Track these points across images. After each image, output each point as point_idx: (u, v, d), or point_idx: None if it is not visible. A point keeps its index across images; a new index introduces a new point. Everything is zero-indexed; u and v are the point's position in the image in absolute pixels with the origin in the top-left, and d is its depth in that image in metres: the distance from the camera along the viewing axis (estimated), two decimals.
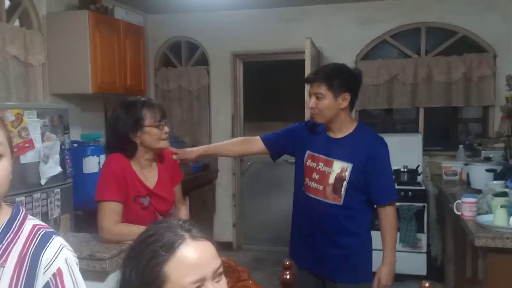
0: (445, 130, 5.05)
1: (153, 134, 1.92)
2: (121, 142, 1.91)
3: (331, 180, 2.08)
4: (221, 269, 0.98)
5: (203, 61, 5.16)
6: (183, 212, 2.20)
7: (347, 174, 2.06)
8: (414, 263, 4.00)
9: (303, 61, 3.92)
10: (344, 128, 2.12)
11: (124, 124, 1.89)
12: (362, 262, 2.17)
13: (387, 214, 2.10)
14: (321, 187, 2.10)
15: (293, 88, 4.73)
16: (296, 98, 4.43)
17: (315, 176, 2.12)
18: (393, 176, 2.16)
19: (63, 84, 3.72)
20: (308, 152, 2.17)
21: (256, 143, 2.34)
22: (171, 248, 0.93)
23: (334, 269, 2.13)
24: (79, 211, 3.20)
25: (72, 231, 3.01)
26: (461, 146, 4.27)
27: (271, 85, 5.29)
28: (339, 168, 2.07)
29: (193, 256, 0.94)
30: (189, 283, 0.92)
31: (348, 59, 4.73)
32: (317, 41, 4.41)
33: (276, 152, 2.35)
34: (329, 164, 2.09)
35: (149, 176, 1.99)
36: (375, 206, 2.17)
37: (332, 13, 4.73)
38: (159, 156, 2.05)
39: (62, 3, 3.87)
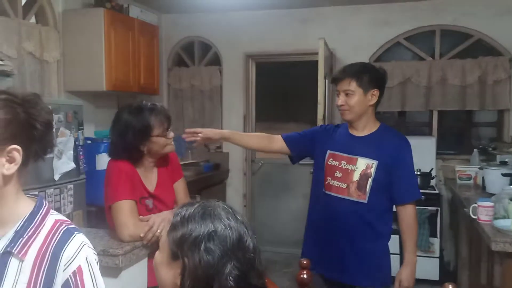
0: (459, 134, 5.00)
1: (160, 143, 1.91)
2: (128, 150, 1.89)
3: (356, 177, 2.05)
4: None
5: (216, 61, 5.17)
6: None
7: (372, 171, 2.04)
8: (427, 267, 3.96)
9: (316, 62, 3.91)
10: (368, 126, 2.13)
11: (133, 134, 1.86)
12: (383, 265, 2.12)
13: (408, 213, 2.07)
14: (344, 185, 2.07)
15: (306, 89, 4.72)
16: (309, 99, 4.40)
17: (338, 174, 2.09)
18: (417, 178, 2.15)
19: (77, 81, 3.73)
20: (329, 151, 2.15)
21: (277, 141, 2.30)
22: None
23: (355, 273, 2.07)
24: (92, 207, 3.21)
25: (84, 227, 3.01)
26: (475, 150, 4.22)
27: (284, 86, 5.28)
28: (364, 165, 2.05)
29: None
30: None
31: (361, 61, 4.70)
32: (331, 42, 4.39)
33: (297, 152, 2.30)
34: (352, 162, 2.07)
35: (150, 178, 1.99)
36: (394, 206, 2.12)
37: (346, 15, 4.71)
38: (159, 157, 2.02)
39: (78, 1, 3.90)
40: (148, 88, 4.36)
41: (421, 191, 3.93)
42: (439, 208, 4.00)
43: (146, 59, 4.28)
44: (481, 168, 3.63)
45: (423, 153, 4.39)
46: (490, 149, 4.14)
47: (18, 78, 3.34)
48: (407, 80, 4.56)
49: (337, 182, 2.09)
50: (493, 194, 2.92)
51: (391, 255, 2.17)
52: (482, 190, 3.42)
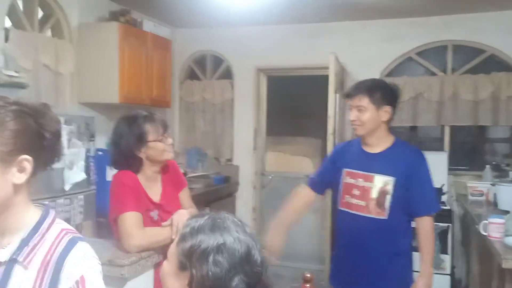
0: (471, 150, 4.95)
1: (158, 148, 1.93)
2: (126, 158, 1.92)
3: (374, 194, 2.06)
4: None
5: (228, 75, 5.22)
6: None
7: (390, 188, 2.05)
8: (438, 284, 3.85)
9: (326, 76, 3.92)
10: (382, 142, 2.13)
11: (127, 140, 1.89)
12: (405, 281, 2.13)
13: (426, 225, 2.08)
14: (363, 203, 2.09)
15: (316, 103, 4.73)
16: (319, 113, 4.41)
17: (356, 192, 2.11)
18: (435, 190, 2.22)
19: (91, 93, 3.79)
20: (345, 169, 2.17)
21: (309, 195, 2.39)
22: None
23: None
24: (101, 217, 3.23)
25: (94, 237, 3.03)
26: (488, 166, 4.17)
27: (295, 100, 5.30)
28: (382, 182, 2.06)
29: None
30: None
31: (372, 76, 4.65)
32: (342, 57, 4.41)
33: (324, 189, 2.41)
34: (369, 179, 2.08)
35: (155, 188, 2.00)
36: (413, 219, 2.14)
37: (357, 30, 4.73)
38: (162, 166, 2.04)
39: (93, 15, 3.97)
40: (160, 101, 4.40)
41: None
42: (450, 225, 3.94)
43: (159, 72, 4.33)
44: (493, 185, 3.59)
45: (435, 168, 4.25)
46: (503, 165, 4.09)
47: (34, 90, 3.41)
48: (419, 95, 4.54)
49: (356, 200, 2.11)
50: (505, 211, 2.89)
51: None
52: (494, 207, 3.37)
